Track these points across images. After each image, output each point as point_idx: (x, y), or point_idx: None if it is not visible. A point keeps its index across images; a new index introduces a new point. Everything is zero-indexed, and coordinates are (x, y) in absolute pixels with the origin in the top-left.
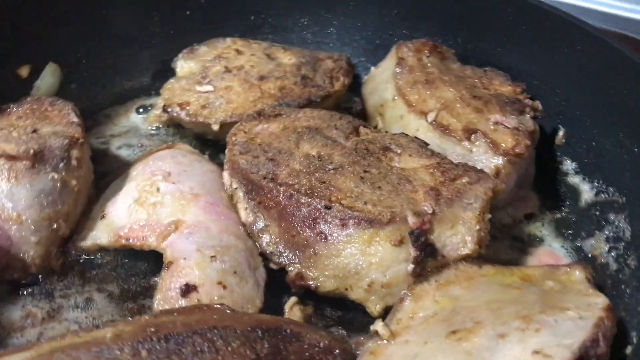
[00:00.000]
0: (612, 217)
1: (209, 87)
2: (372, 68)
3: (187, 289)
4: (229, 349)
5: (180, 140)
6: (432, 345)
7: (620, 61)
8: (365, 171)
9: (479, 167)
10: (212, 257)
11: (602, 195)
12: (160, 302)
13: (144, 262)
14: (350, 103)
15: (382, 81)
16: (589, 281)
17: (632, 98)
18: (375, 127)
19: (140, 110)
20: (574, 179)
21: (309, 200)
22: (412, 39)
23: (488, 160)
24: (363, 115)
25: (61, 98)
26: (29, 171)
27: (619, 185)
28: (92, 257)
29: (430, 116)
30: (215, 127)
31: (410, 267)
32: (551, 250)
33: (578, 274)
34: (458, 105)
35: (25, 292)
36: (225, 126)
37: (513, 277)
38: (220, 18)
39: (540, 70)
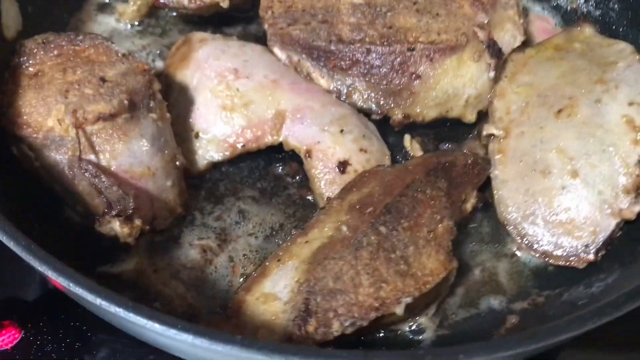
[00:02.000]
0: None
1: None
2: None
3: (343, 166)
4: (427, 195)
5: (173, 28)
6: (549, 128)
7: None
8: (414, 3)
9: None
10: (340, 131)
11: None
12: (327, 186)
13: (252, 161)
14: None
15: None
16: (599, 33)
17: None
18: None
19: (105, 10)
20: None
21: (390, 48)
22: None
23: None
24: None
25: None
26: (132, 122)
27: None
28: (208, 177)
29: None
30: (225, 4)
31: (492, 73)
32: (538, 15)
33: (588, 30)
34: None
35: (185, 235)
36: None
37: (549, 51)
38: None
39: None
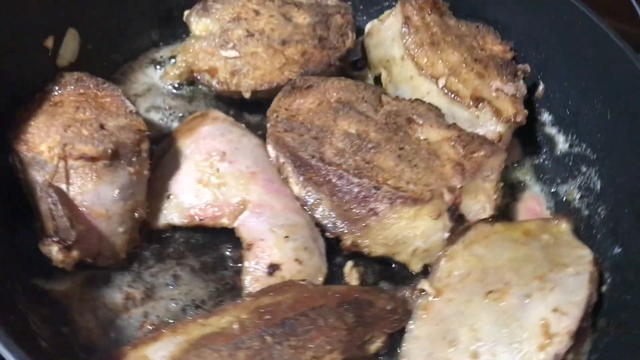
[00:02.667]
0: (583, 168)
1: (235, 53)
2: (376, 21)
3: (273, 269)
4: (328, 324)
5: (203, 98)
6: (474, 304)
7: (597, 35)
8: (400, 148)
9: (484, 131)
10: (285, 237)
11: (576, 149)
12: (251, 281)
13: (210, 234)
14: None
15: (388, 38)
16: (573, 232)
17: (606, 69)
18: (378, 78)
19: (155, 66)
20: (551, 130)
21: (359, 180)
22: None
23: (492, 126)
24: (364, 62)
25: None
26: (108, 169)
27: (590, 142)
28: (166, 234)
29: (441, 82)
30: (247, 95)
31: (446, 235)
32: (533, 194)
33: (564, 226)
34: (463, 71)
35: (119, 278)
36: (255, 93)
37: (517, 232)
38: None
39: (524, 26)
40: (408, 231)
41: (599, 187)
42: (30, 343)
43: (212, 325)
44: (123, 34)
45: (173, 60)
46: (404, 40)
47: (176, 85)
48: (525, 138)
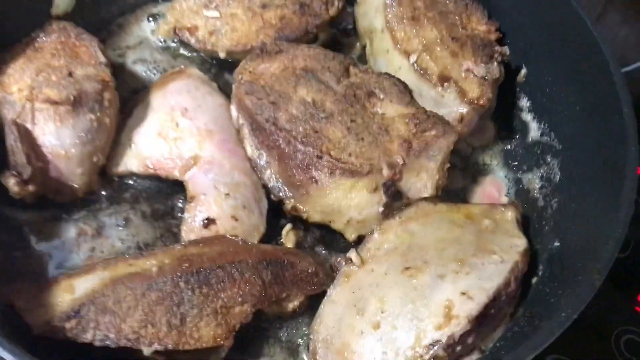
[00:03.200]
0: (548, 158)
1: (216, 13)
2: None
3: (208, 222)
4: (243, 278)
5: (188, 54)
6: (390, 278)
7: (580, 31)
8: (351, 120)
9: (447, 112)
10: (226, 194)
11: (545, 137)
12: (187, 231)
13: (166, 184)
14: (345, 17)
15: (373, 8)
16: (517, 222)
17: (582, 62)
18: (364, 48)
19: (150, 19)
20: (527, 116)
21: (304, 148)
22: None
23: (456, 107)
24: (353, 31)
25: (85, 22)
26: (70, 114)
27: (558, 133)
28: (125, 180)
29: (412, 57)
30: (222, 55)
31: (381, 209)
32: (495, 178)
33: (510, 214)
34: (437, 48)
35: (75, 215)
36: (231, 54)
37: (459, 214)
38: None
39: (514, 10)
40: (344, 201)
41: (557, 179)
42: None
43: (136, 266)
44: None
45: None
46: (386, 13)
47: (164, 41)
48: (502, 122)
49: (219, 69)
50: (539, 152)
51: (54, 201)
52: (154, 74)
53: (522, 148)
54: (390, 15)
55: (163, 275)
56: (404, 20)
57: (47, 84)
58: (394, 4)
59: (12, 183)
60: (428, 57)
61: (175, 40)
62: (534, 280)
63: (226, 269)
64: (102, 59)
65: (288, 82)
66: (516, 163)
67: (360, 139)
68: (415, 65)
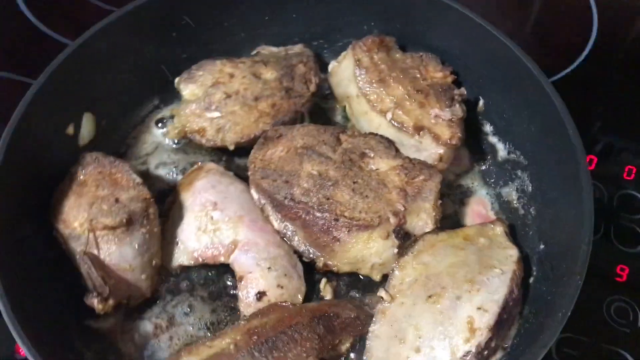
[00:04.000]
0: (519, 173)
1: (218, 114)
2: (335, 63)
3: (260, 296)
4: (302, 337)
5: (200, 149)
6: (418, 307)
7: (513, 60)
8: (354, 182)
9: (427, 155)
10: (268, 268)
11: (512, 155)
12: (245, 307)
13: (214, 268)
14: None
15: (345, 78)
16: (506, 234)
17: (525, 90)
18: (344, 109)
19: (159, 124)
20: (493, 139)
21: (322, 215)
22: (359, 23)
23: (433, 149)
24: (332, 96)
25: (108, 145)
26: (126, 233)
27: (522, 150)
28: (180, 273)
29: (388, 115)
30: (231, 147)
31: (395, 250)
32: (479, 197)
33: (498, 229)
34: (407, 103)
35: (148, 312)
36: (238, 145)
37: (458, 238)
38: (200, 31)
39: (461, 51)
40: (365, 251)
41: (530, 189)
42: None
43: (215, 346)
44: (129, 105)
45: (172, 120)
46: (357, 81)
47: (176, 142)
48: (474, 147)
49: (229, 156)
50: (509, 168)
51: (128, 306)
52: (176, 174)
53: (495, 167)
54: (361, 83)
55: (240, 350)
56: (374, 84)
57: (102, 213)
58: (362, 72)
59: (95, 303)
60: (401, 112)
61: (182, 142)
62: (531, 280)
63: (287, 333)
64: (138, 179)
65: (293, 161)
66: (493, 180)
67: (365, 196)
68: (392, 121)
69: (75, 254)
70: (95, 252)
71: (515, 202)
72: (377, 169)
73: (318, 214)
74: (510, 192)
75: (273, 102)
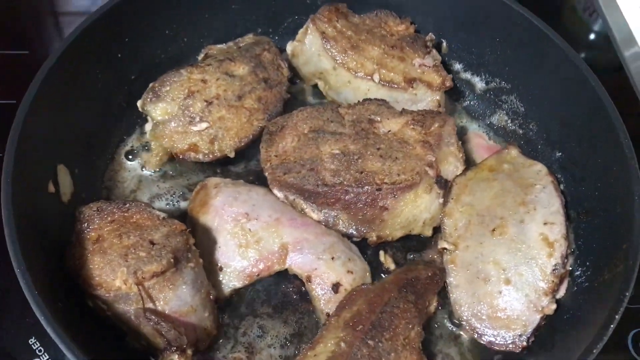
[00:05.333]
0: (504, 97)
1: (205, 124)
2: (295, 42)
3: (336, 287)
4: (400, 309)
5: (187, 169)
6: (487, 243)
7: None
8: (378, 148)
9: (425, 103)
10: (332, 258)
11: (492, 84)
12: (325, 304)
13: (265, 282)
14: None
15: (314, 54)
16: (522, 153)
17: (489, 16)
18: (315, 87)
19: (130, 156)
20: (466, 75)
21: (363, 189)
22: (301, 2)
23: (430, 97)
24: (298, 78)
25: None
26: (176, 274)
27: (501, 75)
28: (234, 297)
29: (376, 77)
30: (232, 155)
31: (441, 200)
32: (475, 132)
33: (513, 151)
34: (388, 60)
35: (221, 350)
36: (238, 150)
37: (484, 172)
38: (143, 47)
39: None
40: (415, 210)
41: (522, 108)
42: None
43: (323, 352)
44: (95, 146)
45: (143, 149)
46: (329, 53)
47: (158, 170)
48: (448, 90)
49: (223, 166)
50: (492, 96)
51: (199, 351)
52: (176, 201)
53: (476, 100)
54: (334, 54)
55: (352, 345)
56: (348, 51)
57: (142, 262)
58: (331, 43)
59: (177, 358)
60: (386, 71)
61: (163, 168)
62: (562, 187)
63: (387, 311)
64: (162, 214)
65: (310, 147)
66: (479, 113)
67: (395, 158)
68: (380, 82)
69: (129, 315)
70: (152, 305)
71: (510, 125)
72: (389, 130)
73: (359, 190)
74: (501, 118)
75: (258, 96)
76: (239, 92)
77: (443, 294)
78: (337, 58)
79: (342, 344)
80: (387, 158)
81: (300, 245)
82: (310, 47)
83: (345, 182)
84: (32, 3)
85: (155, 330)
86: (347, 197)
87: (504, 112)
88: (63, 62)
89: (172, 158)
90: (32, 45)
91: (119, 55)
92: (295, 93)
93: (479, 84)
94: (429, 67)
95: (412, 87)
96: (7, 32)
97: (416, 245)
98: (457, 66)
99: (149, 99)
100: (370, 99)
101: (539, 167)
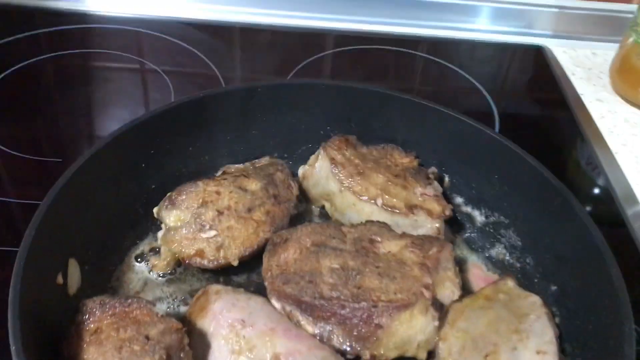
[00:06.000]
0: (503, 232)
1: (214, 232)
2: (307, 167)
3: None
4: None
5: (191, 275)
6: None
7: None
8: (376, 267)
9: (426, 229)
10: None
11: (491, 218)
12: None
13: None
14: None
15: (322, 177)
16: (518, 285)
17: (495, 154)
18: (322, 207)
19: (139, 259)
20: (466, 209)
21: (359, 305)
22: (315, 131)
23: (429, 224)
24: (307, 200)
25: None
26: None
27: (500, 211)
28: None
29: (379, 201)
30: (235, 263)
31: (436, 323)
32: (474, 263)
33: (510, 282)
34: (391, 187)
35: None
36: (242, 259)
37: (481, 300)
38: (167, 159)
39: (416, 138)
40: (410, 331)
41: (520, 243)
42: None
43: None
44: (108, 245)
45: (152, 253)
46: (337, 177)
47: (162, 274)
48: (449, 221)
49: (226, 276)
50: (491, 230)
51: None
52: (177, 306)
53: (476, 233)
54: (342, 178)
55: None
56: (354, 177)
57: (135, 355)
58: (339, 169)
59: None
60: (389, 197)
61: (170, 272)
62: (557, 320)
63: None
64: (159, 312)
65: (310, 260)
66: (479, 245)
67: (393, 277)
68: (383, 206)
69: None
70: None
71: (508, 258)
72: (389, 251)
73: (355, 305)
74: (500, 252)
75: (267, 210)
76: (249, 205)
77: None
78: (344, 182)
79: None
80: (385, 276)
81: (293, 356)
82: (320, 171)
83: (342, 297)
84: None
85: None
86: (342, 312)
87: (503, 245)
88: (90, 166)
89: (179, 264)
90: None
91: (143, 166)
92: (303, 213)
93: (479, 217)
94: (430, 196)
95: (413, 213)
96: (46, 141)
97: None
98: (458, 200)
99: (164, 207)
100: (372, 221)
101: (534, 299)
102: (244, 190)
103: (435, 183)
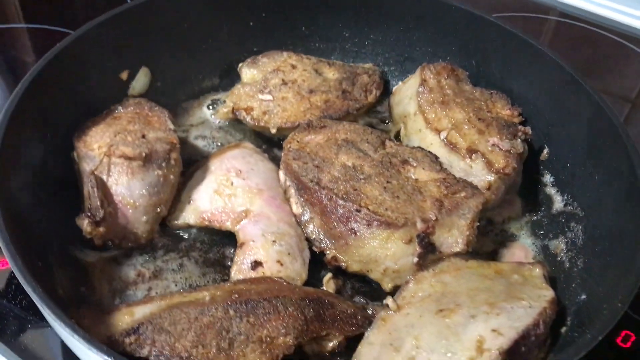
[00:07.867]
0: (572, 225)
1: (269, 97)
2: (400, 83)
3: (256, 265)
4: (287, 312)
5: (243, 133)
6: (424, 319)
7: (590, 106)
8: (387, 182)
9: (476, 181)
10: (273, 241)
11: (569, 207)
12: (236, 272)
13: (218, 236)
14: (382, 106)
15: (407, 96)
16: (544, 277)
17: (597, 136)
18: (398, 133)
19: (210, 106)
20: (550, 190)
21: (344, 203)
22: (435, 55)
23: (483, 176)
24: (390, 119)
25: (155, 103)
26: (141, 168)
27: (581, 202)
28: (181, 232)
29: (443, 134)
30: (273, 131)
31: (415, 259)
32: (523, 245)
33: (538, 270)
34: (465, 127)
35: (135, 259)
36: (281, 130)
37: (489, 270)
38: (277, 28)
39: (534, 98)
40: (380, 251)
41: (581, 242)
42: (49, 286)
43: (190, 296)
44: (189, 78)
45: (224, 102)
46: (419, 98)
47: (222, 122)
48: (528, 197)
49: (269, 146)
50: (563, 220)
51: (117, 247)
52: (212, 148)
53: (547, 218)
54: (422, 100)
55: (215, 303)
56: (435, 104)
57: (123, 142)
58: (425, 91)
59: (85, 224)
60: (457, 134)
61: (228, 123)
62: (564, 329)
63: (272, 302)
64: (171, 126)
65: (330, 150)
66: (542, 232)
67: (396, 197)
68: (445, 140)
69: (84, 174)
70: (105, 177)
71: (561, 255)
72: (416, 178)
73: (340, 202)
74: (559, 245)
75: (327, 98)
76: (314, 87)
77: (354, 345)
78: (422, 104)
79: (207, 298)
80: (389, 192)
81: (259, 218)
82: (408, 89)
83: (335, 190)
84: None
85: (87, 193)
86: (328, 204)
87: (565, 240)
88: None
89: (239, 121)
90: None
91: (251, 24)
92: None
93: (558, 203)
94: (501, 149)
95: (471, 158)
96: None
97: (371, 293)
98: (548, 178)
99: (247, 63)
100: (423, 149)
101: (547, 293)
102: (318, 74)
103: (519, 142)
